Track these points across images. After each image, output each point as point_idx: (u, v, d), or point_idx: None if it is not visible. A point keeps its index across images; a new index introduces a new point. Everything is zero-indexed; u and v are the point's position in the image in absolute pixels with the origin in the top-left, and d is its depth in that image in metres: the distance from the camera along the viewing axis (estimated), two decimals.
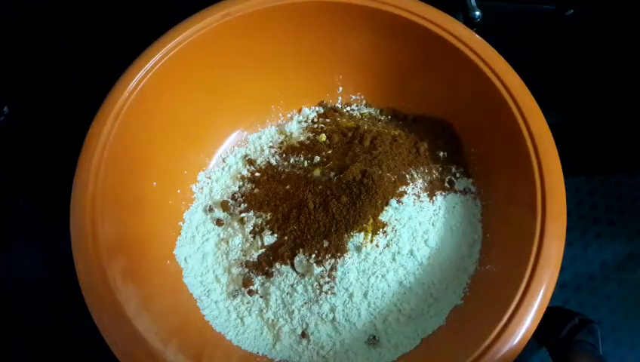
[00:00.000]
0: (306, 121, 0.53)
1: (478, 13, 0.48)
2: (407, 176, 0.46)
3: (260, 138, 0.53)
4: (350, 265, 0.43)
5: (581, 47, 0.58)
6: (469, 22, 0.48)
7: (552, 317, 0.37)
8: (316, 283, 0.43)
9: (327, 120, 0.52)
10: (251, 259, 0.45)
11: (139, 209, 0.44)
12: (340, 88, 0.54)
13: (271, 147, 0.52)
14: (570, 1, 0.57)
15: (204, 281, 0.46)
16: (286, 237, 0.44)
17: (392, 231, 0.44)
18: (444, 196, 0.46)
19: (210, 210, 0.49)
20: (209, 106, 0.50)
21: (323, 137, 0.50)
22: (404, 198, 0.45)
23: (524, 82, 0.42)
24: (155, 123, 0.46)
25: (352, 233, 0.44)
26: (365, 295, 0.43)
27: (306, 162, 0.48)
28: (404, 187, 0.45)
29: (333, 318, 0.43)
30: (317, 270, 0.43)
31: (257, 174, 0.50)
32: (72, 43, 0.60)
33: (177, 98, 0.47)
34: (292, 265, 0.44)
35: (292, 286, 0.43)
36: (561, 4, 0.57)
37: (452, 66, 0.45)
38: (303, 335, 0.43)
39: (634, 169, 0.55)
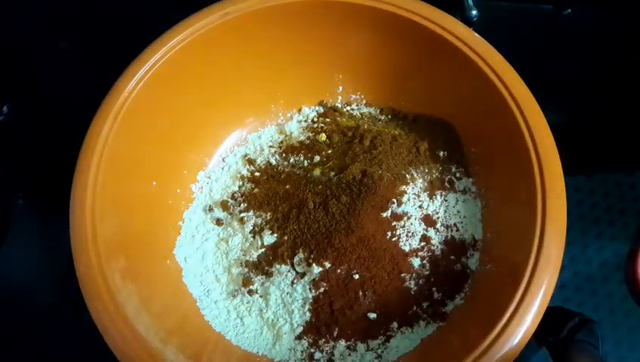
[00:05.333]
0: (305, 121, 0.53)
1: (474, 12, 0.48)
2: (407, 175, 0.46)
3: (259, 137, 0.53)
4: None
5: (580, 47, 0.58)
6: (466, 21, 0.48)
7: (552, 317, 0.37)
8: None
9: (327, 119, 0.52)
10: (251, 259, 0.45)
11: (138, 209, 0.44)
12: (340, 88, 0.54)
13: (271, 147, 0.52)
14: (567, 1, 0.57)
15: (203, 281, 0.46)
16: (286, 237, 0.44)
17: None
18: (444, 196, 0.46)
19: (210, 209, 0.49)
20: (209, 106, 0.50)
21: (323, 137, 0.50)
22: (404, 198, 0.45)
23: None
24: (154, 122, 0.46)
25: None
26: None
27: (305, 162, 0.48)
28: (404, 187, 0.45)
29: None
30: (317, 269, 0.43)
31: (257, 174, 0.50)
32: (72, 43, 0.60)
33: (177, 97, 0.47)
34: (292, 265, 0.44)
35: (292, 285, 0.43)
36: (559, 4, 0.57)
37: (452, 65, 0.45)
38: None
39: (634, 168, 0.54)
